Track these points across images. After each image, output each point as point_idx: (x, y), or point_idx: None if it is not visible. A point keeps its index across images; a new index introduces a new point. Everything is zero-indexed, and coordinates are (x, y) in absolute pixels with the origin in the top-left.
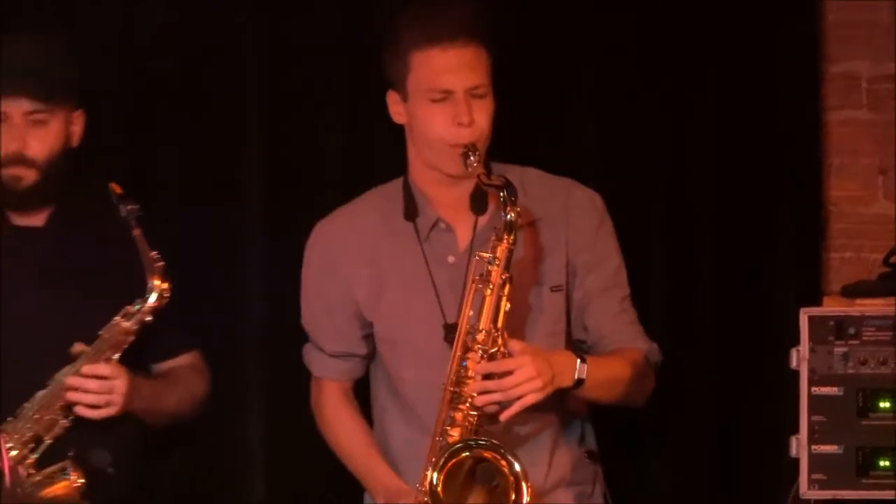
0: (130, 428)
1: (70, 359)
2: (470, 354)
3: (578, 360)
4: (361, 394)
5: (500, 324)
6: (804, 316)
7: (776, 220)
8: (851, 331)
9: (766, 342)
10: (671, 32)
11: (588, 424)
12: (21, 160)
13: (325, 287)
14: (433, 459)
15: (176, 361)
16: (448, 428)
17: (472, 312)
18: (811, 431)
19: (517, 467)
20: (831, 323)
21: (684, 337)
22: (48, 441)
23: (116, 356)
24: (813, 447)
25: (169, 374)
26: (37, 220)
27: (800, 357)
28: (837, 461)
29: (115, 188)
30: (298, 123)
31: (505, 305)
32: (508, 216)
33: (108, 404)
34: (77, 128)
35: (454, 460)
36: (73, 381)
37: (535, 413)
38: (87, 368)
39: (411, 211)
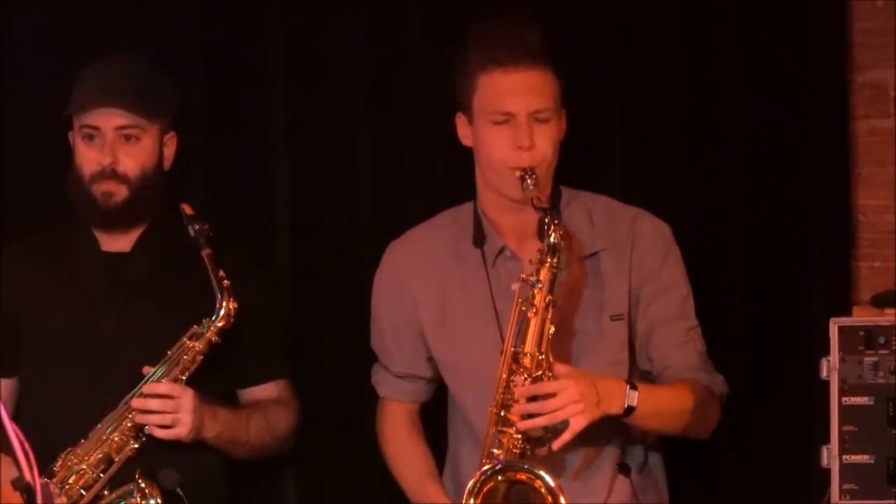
0: (210, 455)
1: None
2: (515, 378)
3: (628, 387)
4: (439, 420)
5: (544, 347)
6: (834, 326)
7: (805, 230)
8: (881, 340)
9: (796, 352)
10: (697, 48)
11: (654, 453)
12: (112, 175)
13: (392, 307)
14: (468, 486)
15: (263, 389)
16: (495, 451)
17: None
18: (842, 441)
19: (551, 482)
20: (861, 332)
21: (714, 347)
22: (118, 462)
23: (184, 377)
24: (844, 457)
25: (252, 406)
26: (124, 244)
27: (830, 367)
28: (868, 471)
29: (186, 208)
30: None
31: (549, 328)
32: (552, 238)
33: (175, 423)
34: (169, 151)
35: (488, 485)
36: (136, 402)
37: (585, 443)
38: (147, 388)
39: (479, 237)
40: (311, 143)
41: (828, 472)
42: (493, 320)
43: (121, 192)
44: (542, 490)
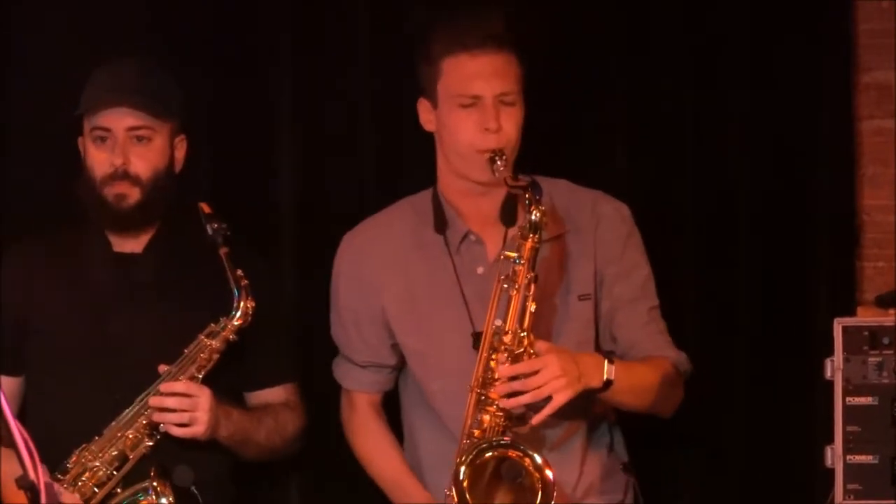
0: (219, 455)
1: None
2: (496, 356)
3: (606, 361)
4: (390, 407)
5: (526, 324)
6: (838, 326)
7: (810, 230)
8: (885, 340)
9: (800, 352)
10: (702, 48)
11: (617, 430)
12: (125, 176)
13: (353, 297)
14: (460, 458)
15: (271, 393)
16: (475, 431)
17: (498, 322)
18: (846, 441)
19: (538, 460)
20: (865, 333)
21: (718, 347)
22: (132, 460)
23: (200, 375)
24: (848, 457)
25: (261, 409)
26: (136, 246)
27: (834, 367)
28: (873, 471)
29: (205, 207)
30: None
31: (531, 306)
32: (533, 216)
33: (192, 421)
34: (180, 153)
35: (480, 459)
36: (153, 400)
37: (563, 418)
38: (164, 386)
39: (441, 223)
40: (313, 134)
41: (832, 472)
42: (462, 306)
43: (133, 194)
44: (531, 467)
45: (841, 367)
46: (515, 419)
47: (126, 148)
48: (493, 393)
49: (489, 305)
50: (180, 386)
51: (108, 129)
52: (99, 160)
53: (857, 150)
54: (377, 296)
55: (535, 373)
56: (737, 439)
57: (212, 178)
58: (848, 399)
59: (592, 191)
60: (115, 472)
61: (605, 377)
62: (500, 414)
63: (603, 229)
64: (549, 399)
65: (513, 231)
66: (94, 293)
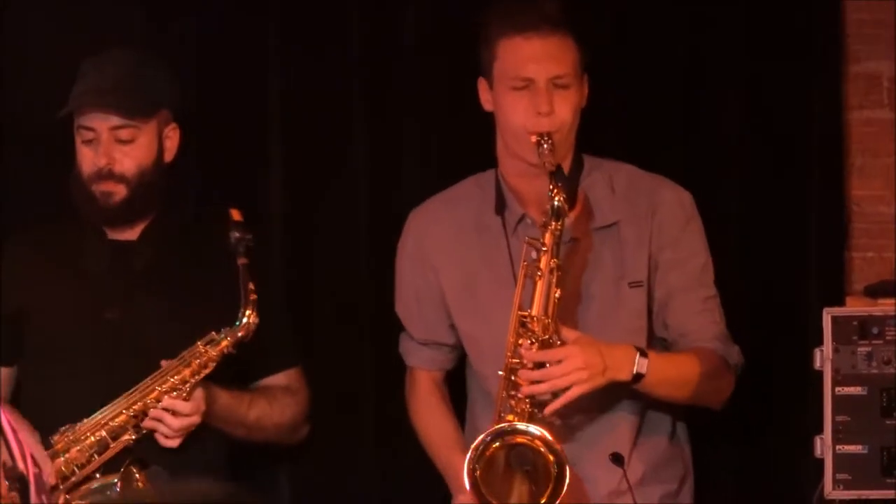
0: (211, 445)
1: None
2: (523, 341)
3: (638, 354)
4: (456, 389)
5: (550, 310)
6: (827, 316)
7: (799, 220)
8: (875, 330)
9: (790, 342)
10: (691, 37)
11: (681, 422)
12: (109, 175)
13: (415, 275)
14: (468, 456)
15: (272, 380)
16: (505, 414)
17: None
18: (835, 431)
19: (546, 435)
20: (854, 323)
21: None
22: (113, 448)
23: (194, 380)
24: (837, 447)
25: (258, 390)
26: (131, 234)
27: (823, 357)
28: (862, 461)
29: (235, 214)
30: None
31: (555, 292)
32: (555, 202)
33: (180, 436)
34: (171, 143)
35: (488, 453)
36: (154, 413)
37: (611, 410)
38: (168, 403)
39: (500, 204)
40: (306, 120)
41: (821, 462)
42: (513, 289)
43: (119, 192)
44: (543, 449)
45: (830, 357)
46: (542, 405)
47: (110, 148)
48: (519, 379)
49: (515, 291)
50: (183, 407)
51: (92, 129)
52: (86, 159)
53: (846, 140)
54: (436, 276)
55: (558, 362)
56: (726, 429)
57: (204, 164)
58: (837, 389)
59: (655, 176)
60: (95, 456)
61: (634, 370)
62: (527, 400)
63: (661, 216)
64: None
65: (570, 214)
66: (88, 281)
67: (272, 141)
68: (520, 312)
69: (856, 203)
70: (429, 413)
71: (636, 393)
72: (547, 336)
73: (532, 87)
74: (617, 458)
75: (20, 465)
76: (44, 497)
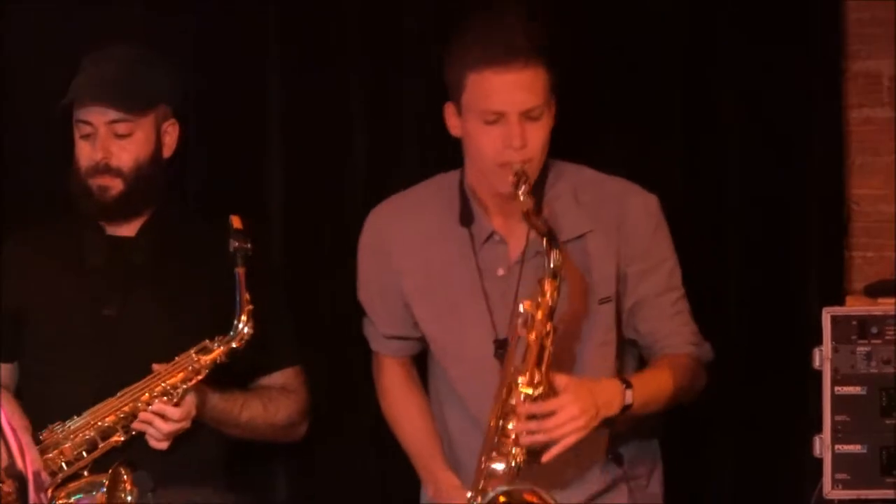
0: (209, 443)
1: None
2: (514, 393)
3: (624, 387)
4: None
5: (544, 367)
6: (827, 315)
7: (799, 219)
8: (874, 330)
9: (789, 342)
10: (691, 36)
11: (647, 441)
12: (106, 170)
13: (379, 272)
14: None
15: (268, 379)
16: (495, 455)
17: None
18: (834, 431)
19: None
20: (854, 322)
21: (707, 336)
22: (102, 448)
23: (185, 386)
24: (836, 447)
25: (255, 390)
26: (129, 230)
27: (822, 356)
28: (861, 461)
29: (235, 221)
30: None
31: (549, 349)
32: (552, 263)
33: (170, 440)
34: (170, 138)
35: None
36: (143, 416)
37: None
38: (158, 407)
39: (467, 217)
40: (306, 119)
41: (820, 461)
42: (482, 303)
43: (116, 186)
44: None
45: (829, 356)
46: (532, 454)
47: (107, 142)
48: (511, 427)
49: (496, 312)
50: (173, 412)
51: (89, 123)
52: (84, 153)
53: (846, 139)
54: (399, 275)
55: (553, 413)
56: (726, 428)
57: (206, 161)
58: (836, 389)
59: (620, 181)
60: (84, 454)
61: (623, 403)
62: (519, 449)
63: (628, 227)
64: None
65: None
66: (86, 276)
67: (272, 139)
68: (515, 383)
69: (855, 202)
70: (399, 401)
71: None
72: (539, 390)
73: (503, 121)
74: (617, 458)
75: (19, 463)
76: (42, 496)
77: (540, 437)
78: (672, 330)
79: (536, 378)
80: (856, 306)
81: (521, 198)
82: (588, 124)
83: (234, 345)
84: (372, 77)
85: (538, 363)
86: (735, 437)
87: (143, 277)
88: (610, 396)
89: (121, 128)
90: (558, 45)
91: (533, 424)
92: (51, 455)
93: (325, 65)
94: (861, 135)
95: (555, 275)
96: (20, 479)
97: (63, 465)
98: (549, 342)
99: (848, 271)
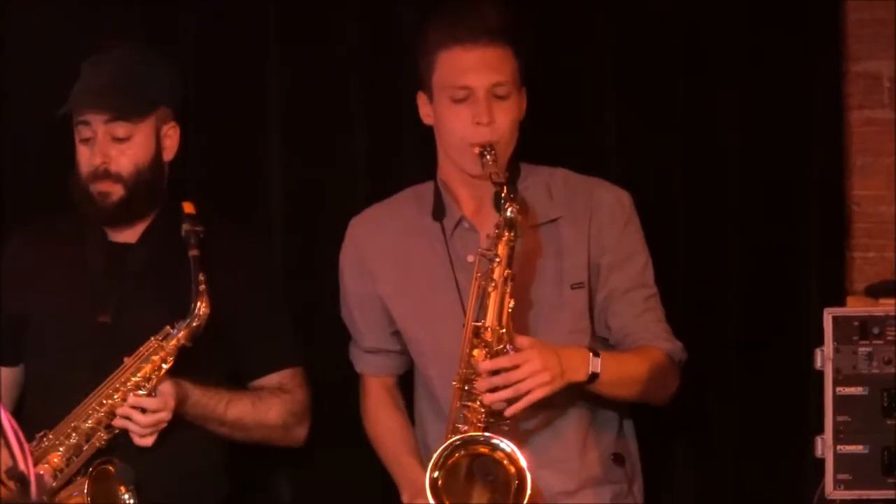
0: (209, 448)
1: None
2: (476, 352)
3: (591, 355)
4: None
5: (504, 321)
6: (828, 316)
7: (800, 220)
8: (875, 330)
9: (791, 342)
10: (692, 36)
11: (627, 421)
12: (105, 175)
13: (356, 283)
14: (431, 460)
15: (265, 380)
16: (460, 425)
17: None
18: (836, 431)
19: (508, 448)
20: (855, 323)
21: (708, 337)
22: (87, 451)
23: (156, 376)
24: (838, 447)
25: (246, 390)
26: (131, 236)
27: (824, 357)
28: (863, 461)
29: (187, 206)
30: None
31: (509, 302)
32: (508, 212)
33: (152, 434)
34: (171, 141)
35: (451, 459)
36: (121, 411)
37: (561, 410)
38: (134, 401)
39: (439, 210)
40: (306, 118)
41: (822, 462)
42: (454, 292)
43: (116, 191)
44: (504, 461)
45: (831, 357)
46: (498, 415)
47: (105, 147)
48: (475, 388)
49: (468, 303)
50: (150, 403)
51: (89, 128)
52: (83, 158)
53: (846, 140)
54: (374, 283)
55: (516, 367)
56: (727, 429)
57: (205, 162)
58: (838, 389)
59: (592, 178)
60: (74, 459)
61: (589, 370)
62: (483, 410)
63: (599, 218)
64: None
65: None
66: (87, 282)
67: (272, 140)
68: (474, 323)
69: (856, 203)
70: (380, 418)
71: (584, 394)
72: (501, 346)
73: (471, 98)
74: (618, 459)
75: (21, 464)
76: (45, 498)
77: (505, 394)
78: (642, 326)
79: (499, 332)
80: (857, 307)
81: (488, 165)
82: (588, 125)
83: (193, 324)
84: (372, 77)
85: (499, 317)
86: (736, 438)
87: (140, 285)
88: (576, 361)
89: (119, 131)
90: (526, 33)
91: (498, 379)
92: (46, 465)
93: (325, 64)
94: (861, 136)
95: (511, 225)
96: (22, 481)
97: (56, 473)
98: (508, 292)
99: (849, 272)
